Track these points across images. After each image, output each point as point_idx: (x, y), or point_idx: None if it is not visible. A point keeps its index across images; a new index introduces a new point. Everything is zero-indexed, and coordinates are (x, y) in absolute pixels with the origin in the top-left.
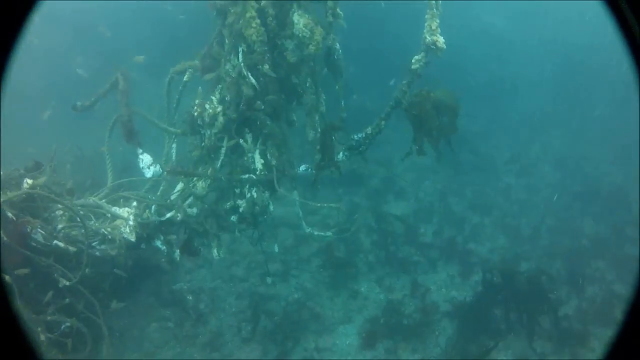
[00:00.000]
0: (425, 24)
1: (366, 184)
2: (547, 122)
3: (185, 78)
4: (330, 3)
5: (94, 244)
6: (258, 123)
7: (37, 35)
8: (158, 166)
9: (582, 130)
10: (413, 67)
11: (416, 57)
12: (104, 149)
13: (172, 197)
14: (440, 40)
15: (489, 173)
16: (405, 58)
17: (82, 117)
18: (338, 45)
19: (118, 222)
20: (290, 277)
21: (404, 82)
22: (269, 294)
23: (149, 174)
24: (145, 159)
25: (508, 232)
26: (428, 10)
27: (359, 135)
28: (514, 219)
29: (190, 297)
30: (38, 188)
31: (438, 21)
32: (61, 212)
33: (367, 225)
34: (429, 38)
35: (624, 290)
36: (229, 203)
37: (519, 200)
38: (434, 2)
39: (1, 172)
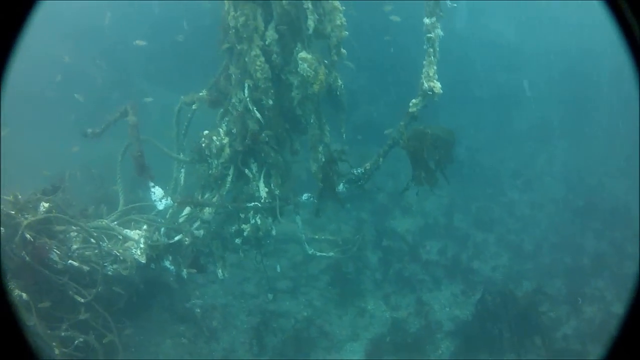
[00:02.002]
0: (423, 70)
1: (373, 199)
2: (553, 132)
3: (193, 107)
4: (333, 42)
5: (106, 264)
6: (263, 154)
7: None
8: (169, 199)
9: (587, 141)
10: (410, 110)
11: (414, 100)
12: (118, 187)
13: (180, 220)
14: (437, 86)
15: (493, 187)
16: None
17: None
18: (340, 81)
19: (129, 243)
20: (300, 295)
21: (402, 123)
22: (280, 311)
23: (160, 206)
24: (157, 192)
25: (511, 249)
26: (426, 57)
27: (359, 170)
28: (517, 235)
29: (203, 314)
30: (54, 211)
31: (435, 67)
32: (76, 233)
33: (374, 241)
34: (426, 84)
35: (622, 311)
36: (234, 227)
37: (523, 216)
38: (432, 49)
39: (19, 196)
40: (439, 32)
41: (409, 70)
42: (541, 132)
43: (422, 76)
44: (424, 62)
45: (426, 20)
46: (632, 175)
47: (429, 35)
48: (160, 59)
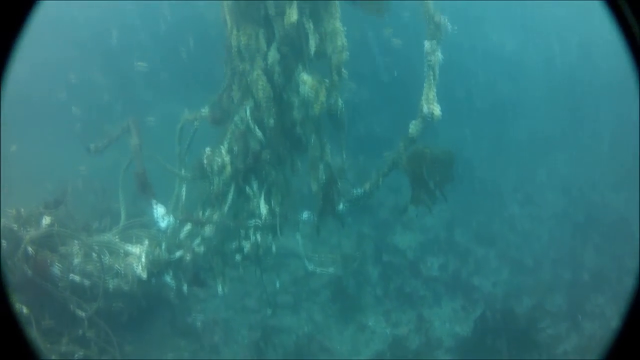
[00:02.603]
0: (423, 93)
1: (375, 213)
2: (554, 144)
3: (195, 124)
4: (334, 63)
5: (107, 278)
6: (263, 173)
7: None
8: (171, 217)
9: (588, 154)
10: (410, 132)
11: (413, 123)
12: (120, 203)
13: (182, 236)
14: (437, 109)
15: (494, 201)
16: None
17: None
18: (341, 102)
19: (130, 258)
20: (301, 310)
21: (401, 144)
22: (281, 327)
23: (163, 224)
24: (159, 210)
25: (511, 265)
26: (426, 81)
27: (359, 191)
28: (518, 250)
29: (205, 329)
30: (56, 225)
31: (435, 90)
32: (77, 247)
33: (375, 256)
34: (426, 107)
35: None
36: (234, 243)
37: (523, 230)
38: (431, 73)
39: (22, 210)
40: (439, 55)
41: (411, 82)
42: (542, 143)
43: (422, 99)
44: (424, 85)
45: (426, 45)
46: (633, 188)
47: (429, 59)
48: (164, 70)
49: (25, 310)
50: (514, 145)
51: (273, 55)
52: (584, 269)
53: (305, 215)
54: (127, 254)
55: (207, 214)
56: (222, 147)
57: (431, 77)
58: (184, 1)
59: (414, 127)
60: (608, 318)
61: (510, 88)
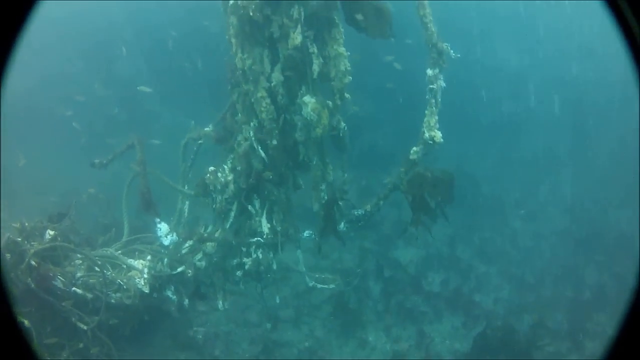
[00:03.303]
0: (425, 119)
1: (377, 228)
2: (557, 161)
3: (200, 142)
4: (337, 86)
5: (109, 292)
6: (266, 192)
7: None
8: (175, 235)
9: (592, 170)
10: (411, 157)
11: (414, 148)
12: (125, 222)
13: (183, 252)
14: (438, 135)
15: (497, 218)
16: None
17: None
18: (343, 124)
19: (133, 273)
20: (302, 324)
21: (402, 169)
22: (281, 341)
23: (166, 242)
24: (162, 228)
25: (513, 282)
26: (427, 107)
27: (360, 212)
28: (519, 267)
29: (206, 342)
30: (59, 239)
31: (437, 117)
32: (80, 261)
33: (376, 272)
34: (427, 134)
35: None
36: (235, 260)
37: (525, 247)
38: (433, 100)
39: (26, 223)
40: (442, 83)
41: (414, 97)
42: (546, 160)
43: (424, 125)
44: (426, 112)
45: (429, 72)
46: (635, 205)
47: (431, 86)
48: (170, 81)
49: (27, 323)
50: (517, 161)
51: (277, 76)
52: (586, 287)
53: (306, 233)
54: (129, 268)
55: (209, 230)
56: (225, 165)
57: (433, 104)
58: (190, 16)
59: (415, 152)
60: (609, 337)
61: (514, 104)
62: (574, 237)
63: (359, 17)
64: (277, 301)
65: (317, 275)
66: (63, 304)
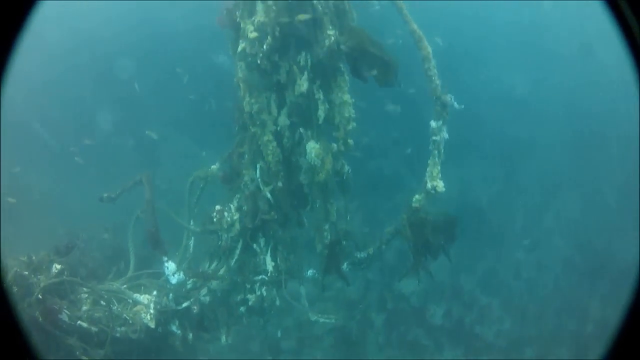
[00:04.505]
0: (427, 169)
1: (381, 257)
2: (562, 188)
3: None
4: (342, 132)
5: (115, 326)
6: (271, 231)
7: None
8: (182, 273)
9: (597, 198)
10: (413, 205)
11: (417, 196)
12: (131, 257)
13: (188, 287)
14: (440, 185)
15: (500, 247)
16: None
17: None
18: (347, 167)
19: (139, 307)
20: (304, 355)
21: (404, 216)
22: None
23: (173, 280)
24: (170, 266)
25: (515, 314)
26: (430, 158)
27: (362, 254)
28: (522, 299)
29: None
30: (66, 273)
31: (439, 168)
32: (86, 294)
33: (379, 303)
34: (430, 183)
35: None
36: (239, 296)
37: (528, 278)
38: (436, 151)
39: (32, 257)
40: (445, 135)
41: (420, 125)
42: (550, 188)
43: (426, 175)
44: (429, 162)
45: (433, 124)
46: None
47: (434, 137)
48: (173, 108)
49: None
50: (522, 188)
51: (283, 120)
52: (589, 320)
53: (310, 272)
54: (135, 302)
55: (214, 266)
56: (231, 205)
57: (436, 155)
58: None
59: (417, 200)
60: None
61: (519, 131)
62: (577, 268)
63: (373, 73)
64: (279, 335)
65: (318, 314)
66: (69, 341)
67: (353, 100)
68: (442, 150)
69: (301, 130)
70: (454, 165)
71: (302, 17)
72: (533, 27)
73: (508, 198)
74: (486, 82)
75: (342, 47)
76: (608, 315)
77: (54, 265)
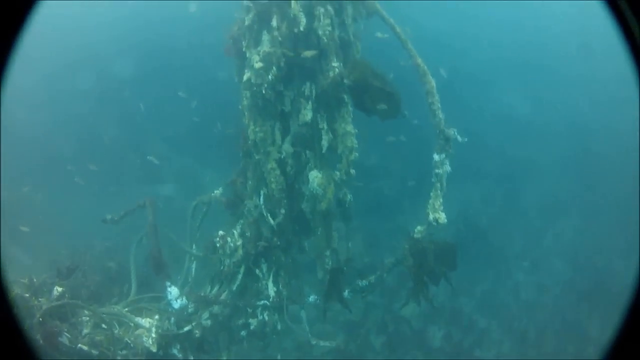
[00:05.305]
0: (429, 201)
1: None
2: (562, 209)
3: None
4: (344, 161)
5: (116, 349)
6: (273, 257)
7: None
8: (184, 298)
9: (597, 218)
10: (415, 236)
11: (418, 228)
12: (133, 280)
13: (190, 311)
14: (442, 217)
15: (500, 268)
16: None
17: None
18: (349, 196)
19: (140, 331)
20: None
21: (405, 245)
22: None
23: (176, 305)
24: (173, 291)
25: (514, 336)
26: (433, 190)
27: (364, 283)
28: (521, 321)
29: None
30: (67, 296)
31: (441, 200)
32: (87, 317)
33: (379, 325)
34: (431, 215)
35: None
36: (241, 320)
37: (528, 300)
38: (439, 184)
39: (34, 279)
40: (448, 168)
41: (420, 148)
42: (550, 208)
43: (428, 207)
44: (431, 194)
45: (435, 157)
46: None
47: (437, 170)
48: (177, 125)
49: None
50: (522, 209)
51: (287, 148)
52: (589, 341)
53: (311, 298)
54: (137, 326)
55: (215, 290)
56: (234, 230)
57: (438, 188)
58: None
59: (419, 232)
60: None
61: (520, 152)
62: (577, 289)
63: (380, 107)
64: (279, 357)
65: (318, 339)
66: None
67: (356, 131)
68: (445, 183)
69: (307, 153)
70: (454, 186)
71: (308, 53)
72: (533, 46)
73: (507, 219)
74: (487, 102)
75: (345, 81)
76: (608, 337)
77: (55, 288)
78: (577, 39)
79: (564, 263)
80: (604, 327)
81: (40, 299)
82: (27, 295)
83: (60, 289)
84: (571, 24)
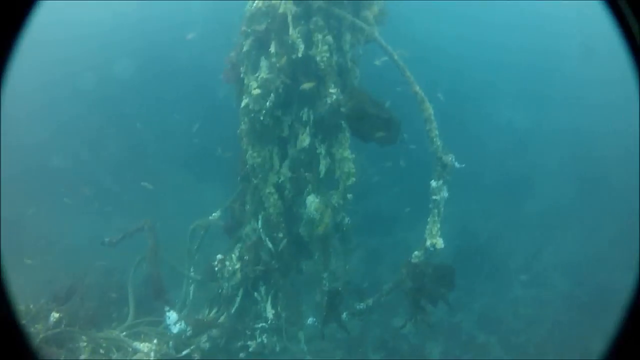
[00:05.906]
0: (427, 227)
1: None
2: (562, 220)
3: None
4: (341, 186)
5: None
6: (272, 280)
7: None
8: (183, 323)
9: (598, 230)
10: (412, 260)
11: (416, 253)
12: (131, 305)
13: (188, 333)
14: (439, 242)
15: (499, 283)
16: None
17: None
18: (347, 219)
19: (138, 355)
20: None
21: (404, 271)
22: None
23: (175, 330)
24: (171, 316)
25: (513, 352)
26: (430, 216)
27: (362, 305)
28: (520, 337)
29: None
30: (65, 322)
31: (439, 226)
32: (85, 343)
33: (377, 342)
34: (429, 241)
35: None
36: (239, 342)
37: (527, 315)
38: (436, 210)
39: (31, 306)
40: (445, 194)
41: (419, 162)
42: (551, 220)
43: (426, 233)
44: (428, 220)
45: (433, 183)
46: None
47: (434, 197)
48: (175, 141)
49: None
50: (521, 221)
51: (285, 172)
52: (590, 356)
53: (310, 320)
54: (135, 351)
55: (214, 313)
56: (233, 254)
57: (436, 214)
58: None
59: (416, 257)
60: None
61: (520, 163)
62: (578, 303)
63: (378, 135)
64: None
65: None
66: None
67: (353, 156)
68: (442, 210)
69: (306, 174)
70: (454, 200)
71: (307, 85)
72: (535, 48)
73: (508, 230)
74: (488, 117)
75: (342, 109)
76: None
77: (52, 314)
78: (578, 41)
79: (565, 276)
80: (605, 341)
81: (36, 326)
82: (24, 322)
83: (57, 315)
84: (572, 26)
